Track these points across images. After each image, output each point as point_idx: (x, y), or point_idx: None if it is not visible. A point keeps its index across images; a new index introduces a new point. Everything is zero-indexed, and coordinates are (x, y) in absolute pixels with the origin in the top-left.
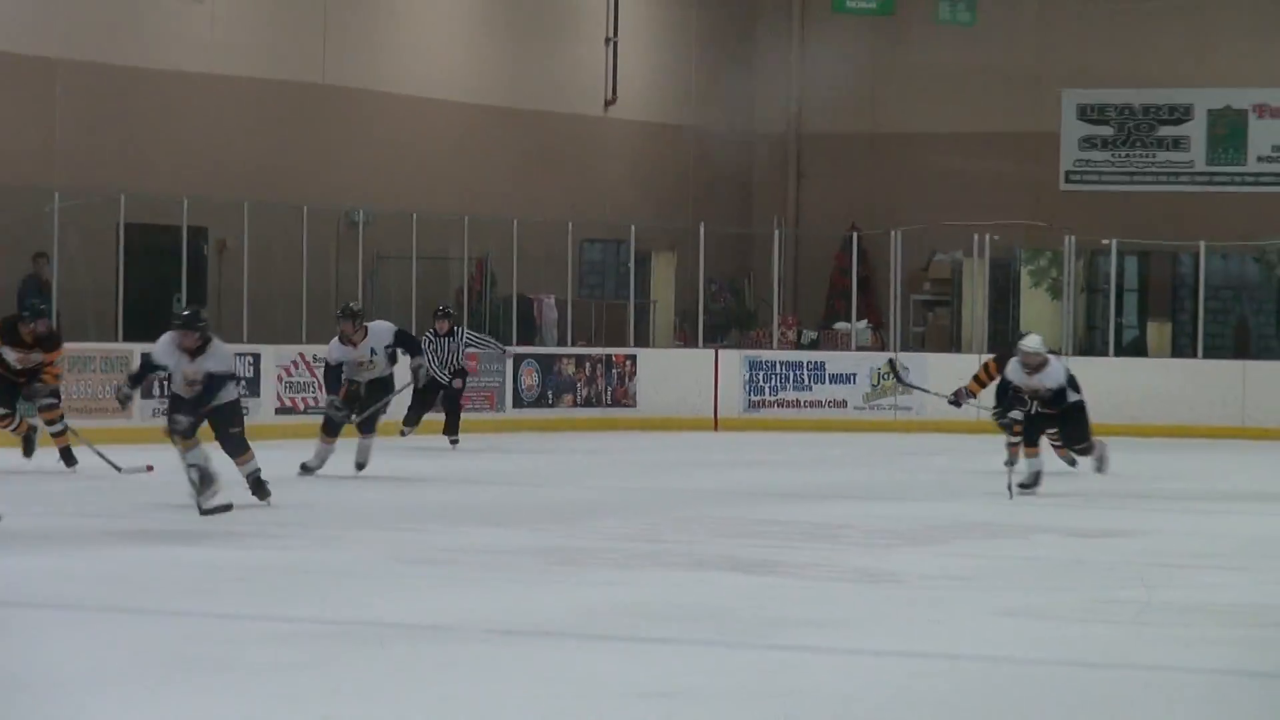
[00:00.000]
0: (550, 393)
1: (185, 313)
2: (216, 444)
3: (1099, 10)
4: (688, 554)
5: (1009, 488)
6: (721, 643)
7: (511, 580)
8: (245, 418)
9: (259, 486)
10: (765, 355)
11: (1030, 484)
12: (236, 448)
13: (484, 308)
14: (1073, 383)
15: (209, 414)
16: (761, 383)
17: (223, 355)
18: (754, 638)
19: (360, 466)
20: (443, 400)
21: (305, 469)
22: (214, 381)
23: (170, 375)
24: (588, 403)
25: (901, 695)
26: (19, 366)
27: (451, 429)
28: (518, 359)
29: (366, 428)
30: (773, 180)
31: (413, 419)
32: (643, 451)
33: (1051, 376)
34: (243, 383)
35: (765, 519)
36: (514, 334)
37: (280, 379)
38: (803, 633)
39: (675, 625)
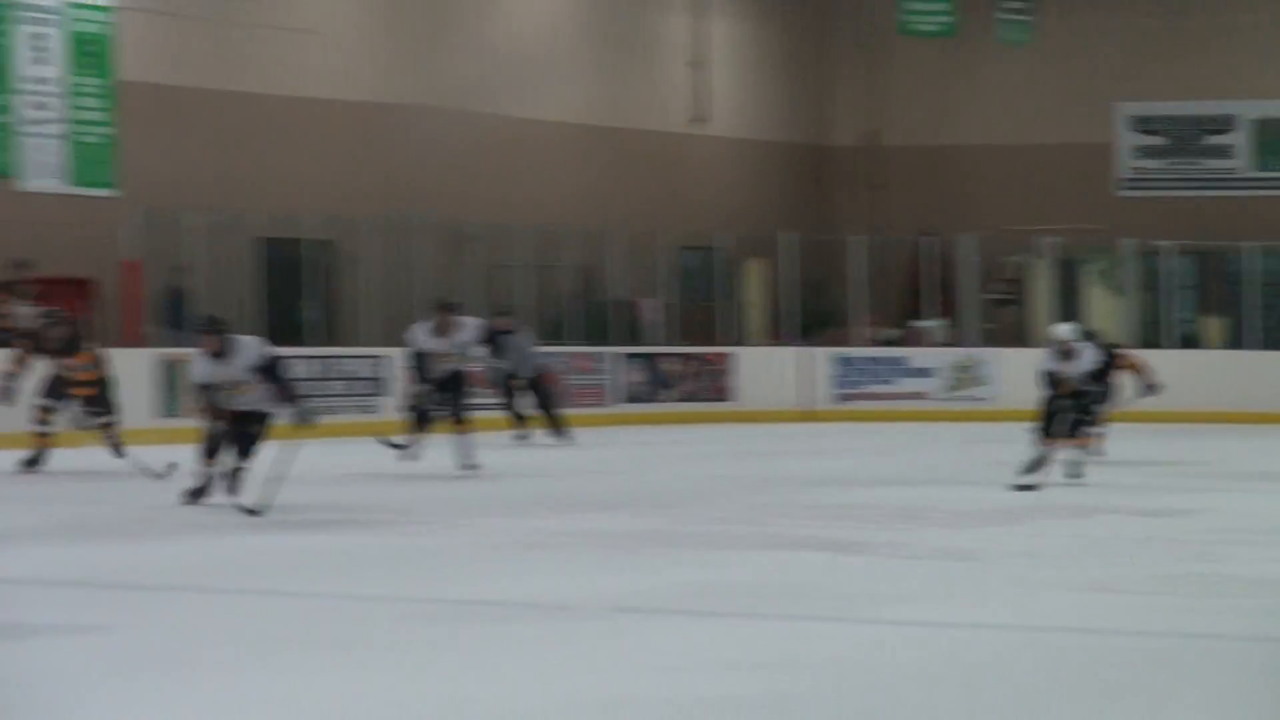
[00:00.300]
0: (653, 389)
1: (207, 316)
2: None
3: (1148, 29)
4: (781, 535)
5: (1027, 480)
6: (812, 617)
7: (618, 561)
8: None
9: (234, 486)
10: (850, 352)
11: (1031, 470)
12: (249, 451)
13: (589, 311)
14: (1100, 376)
15: (256, 415)
16: (848, 377)
17: (251, 347)
18: (842, 612)
19: (470, 468)
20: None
21: (399, 449)
22: (272, 370)
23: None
24: (688, 398)
25: (981, 665)
26: (60, 374)
27: (553, 429)
28: (626, 357)
29: (460, 421)
30: (851, 190)
31: (519, 419)
32: (739, 441)
33: (1085, 362)
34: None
35: (853, 502)
36: (617, 336)
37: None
38: (888, 607)
39: (770, 601)
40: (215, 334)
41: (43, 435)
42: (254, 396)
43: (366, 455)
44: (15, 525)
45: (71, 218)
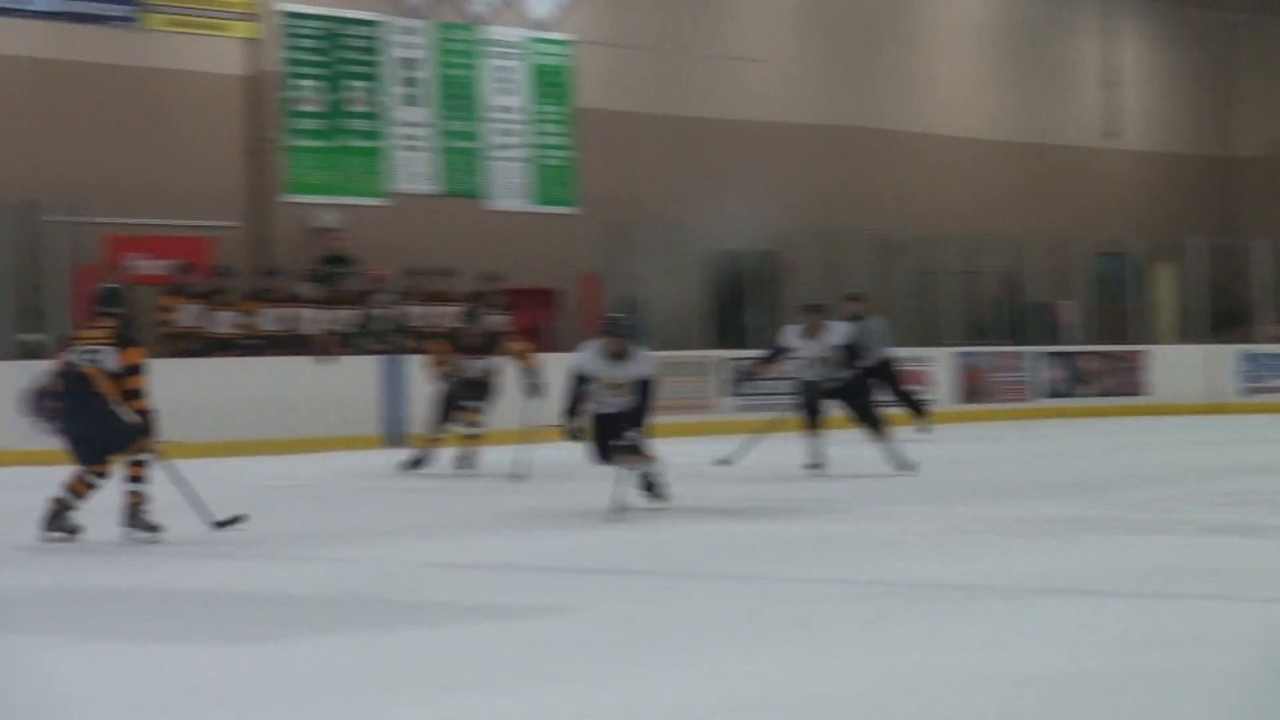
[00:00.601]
0: (1071, 385)
1: (613, 317)
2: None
3: None
4: (1192, 520)
5: None
6: (1221, 597)
7: (1039, 545)
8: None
9: (650, 488)
10: (1256, 349)
11: None
12: (629, 446)
13: (1011, 314)
14: None
15: (629, 415)
16: (1254, 372)
17: (647, 360)
18: (1250, 592)
19: (905, 467)
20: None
21: (814, 468)
22: (646, 388)
23: (594, 382)
24: (1104, 393)
25: None
26: (468, 375)
27: (915, 417)
28: (1046, 355)
29: (872, 423)
30: (1255, 197)
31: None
32: (1153, 433)
33: None
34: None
35: (1259, 489)
36: (1037, 336)
37: None
38: None
39: (1180, 582)
40: (621, 337)
41: (434, 438)
42: (626, 400)
43: (797, 451)
44: (475, 515)
45: (536, 234)
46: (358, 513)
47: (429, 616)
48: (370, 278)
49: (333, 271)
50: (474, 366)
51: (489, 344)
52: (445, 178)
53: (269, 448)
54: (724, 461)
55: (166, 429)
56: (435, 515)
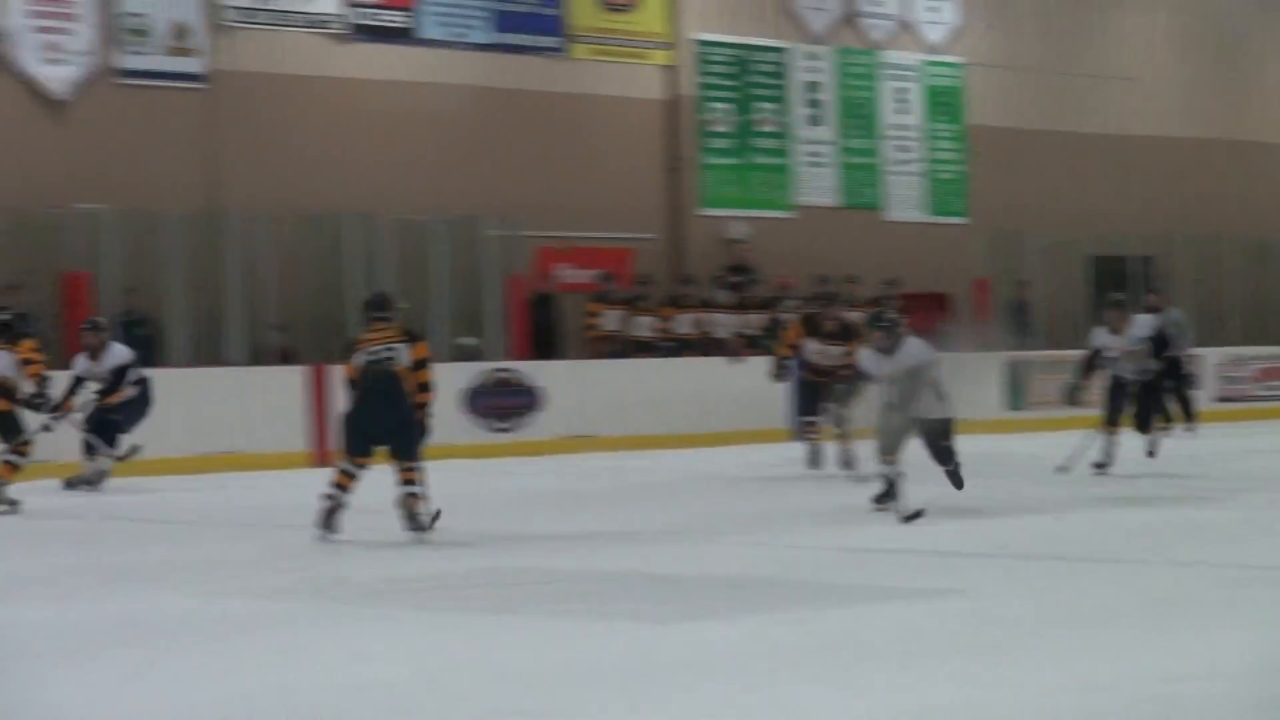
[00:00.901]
0: None
1: (877, 313)
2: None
3: None
4: None
5: None
6: None
7: None
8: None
9: (958, 481)
10: None
11: None
12: (942, 457)
13: None
14: None
15: (920, 426)
16: None
17: (914, 351)
18: None
19: (1151, 454)
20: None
21: (1100, 467)
22: (915, 373)
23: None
24: None
25: None
26: (821, 363)
27: (1185, 416)
28: None
29: (1146, 421)
30: None
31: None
32: None
33: None
34: (947, 395)
35: None
36: None
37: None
38: None
39: None
40: (886, 332)
41: (813, 434)
42: (926, 404)
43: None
44: (863, 505)
45: (929, 242)
46: (765, 501)
47: (833, 598)
48: (777, 284)
49: (738, 279)
50: (828, 354)
51: (844, 333)
52: (846, 191)
53: (685, 441)
54: (1063, 469)
55: (591, 425)
56: (829, 504)
